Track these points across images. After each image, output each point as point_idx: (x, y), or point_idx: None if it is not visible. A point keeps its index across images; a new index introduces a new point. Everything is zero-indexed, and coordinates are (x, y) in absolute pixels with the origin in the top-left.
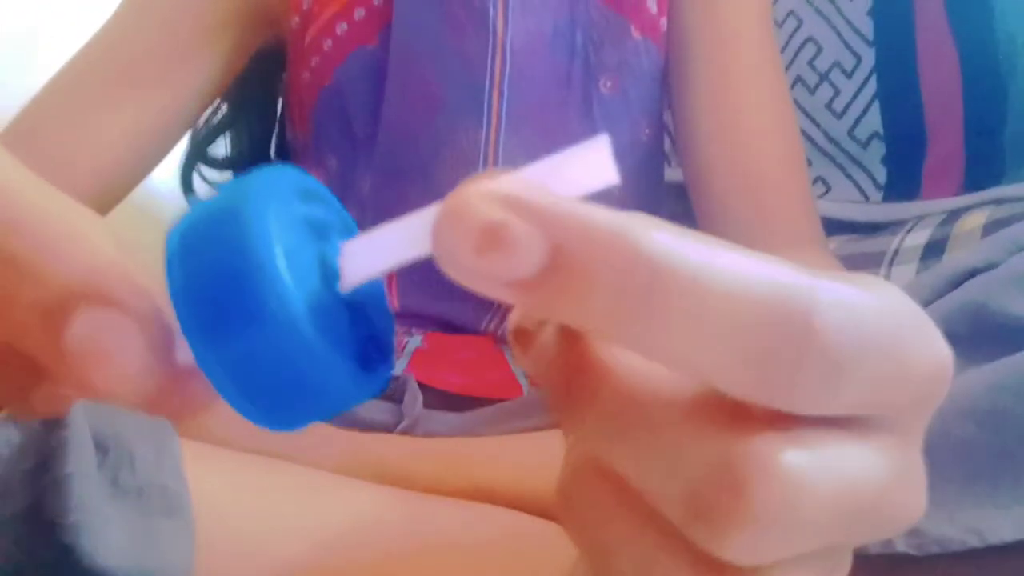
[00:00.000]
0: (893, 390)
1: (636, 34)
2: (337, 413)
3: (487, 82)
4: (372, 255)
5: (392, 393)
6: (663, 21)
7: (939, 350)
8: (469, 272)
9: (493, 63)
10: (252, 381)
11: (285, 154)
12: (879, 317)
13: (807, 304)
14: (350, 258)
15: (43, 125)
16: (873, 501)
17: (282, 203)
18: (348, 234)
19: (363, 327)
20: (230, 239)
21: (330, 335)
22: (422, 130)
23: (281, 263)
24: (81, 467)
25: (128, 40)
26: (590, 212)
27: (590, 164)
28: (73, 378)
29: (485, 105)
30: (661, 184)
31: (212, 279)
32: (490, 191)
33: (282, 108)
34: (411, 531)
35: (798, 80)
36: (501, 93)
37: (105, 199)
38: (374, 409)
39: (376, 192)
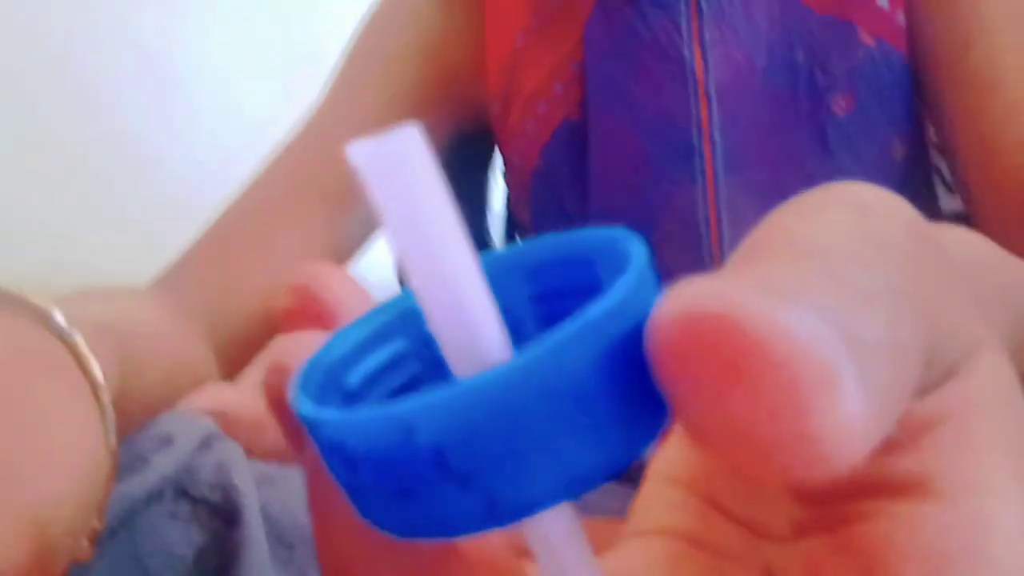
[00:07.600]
0: None
1: (867, 39)
2: None
3: (694, 133)
4: None
5: None
6: (899, 16)
7: None
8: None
9: (698, 111)
10: None
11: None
12: None
13: None
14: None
15: (238, 234)
16: None
17: None
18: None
19: None
20: None
21: None
22: (632, 199)
23: None
24: (255, 571)
25: (326, 147)
26: None
27: None
28: None
29: (696, 158)
30: (933, 214)
31: None
32: None
33: (506, 192)
34: None
35: None
36: (712, 142)
37: None
38: None
39: None
